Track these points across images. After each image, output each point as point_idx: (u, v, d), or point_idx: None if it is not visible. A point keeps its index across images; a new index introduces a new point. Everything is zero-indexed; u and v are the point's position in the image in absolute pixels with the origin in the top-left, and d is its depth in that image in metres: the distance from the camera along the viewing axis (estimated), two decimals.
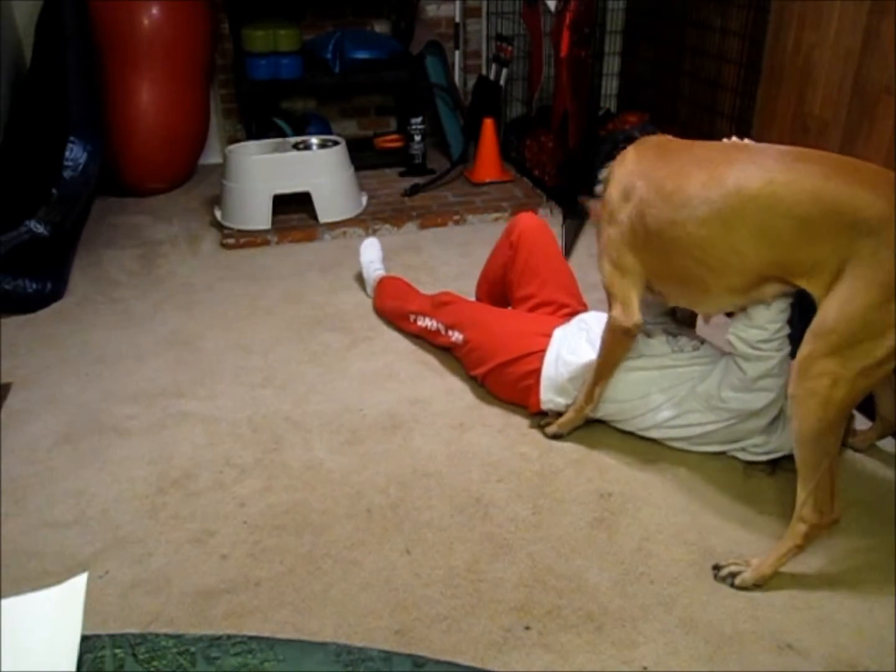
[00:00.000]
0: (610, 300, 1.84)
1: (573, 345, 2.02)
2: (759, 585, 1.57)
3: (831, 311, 1.45)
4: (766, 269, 1.56)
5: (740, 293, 1.64)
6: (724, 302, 1.70)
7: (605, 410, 1.99)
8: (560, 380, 2.01)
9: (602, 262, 1.83)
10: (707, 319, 1.91)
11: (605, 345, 1.89)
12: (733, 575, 1.59)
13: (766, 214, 1.49)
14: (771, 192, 1.48)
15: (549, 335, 2.06)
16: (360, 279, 2.88)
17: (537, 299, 2.27)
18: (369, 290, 2.76)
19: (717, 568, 1.61)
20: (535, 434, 2.04)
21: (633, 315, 1.80)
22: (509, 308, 2.38)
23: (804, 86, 3.16)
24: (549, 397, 2.03)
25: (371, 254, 2.83)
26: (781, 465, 1.89)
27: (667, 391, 1.89)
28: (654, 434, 1.96)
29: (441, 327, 2.34)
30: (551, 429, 2.02)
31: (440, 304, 2.39)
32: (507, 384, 2.13)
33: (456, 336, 2.28)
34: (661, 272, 1.74)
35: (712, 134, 3.63)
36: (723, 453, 1.94)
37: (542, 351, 2.04)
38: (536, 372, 2.03)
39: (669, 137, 1.79)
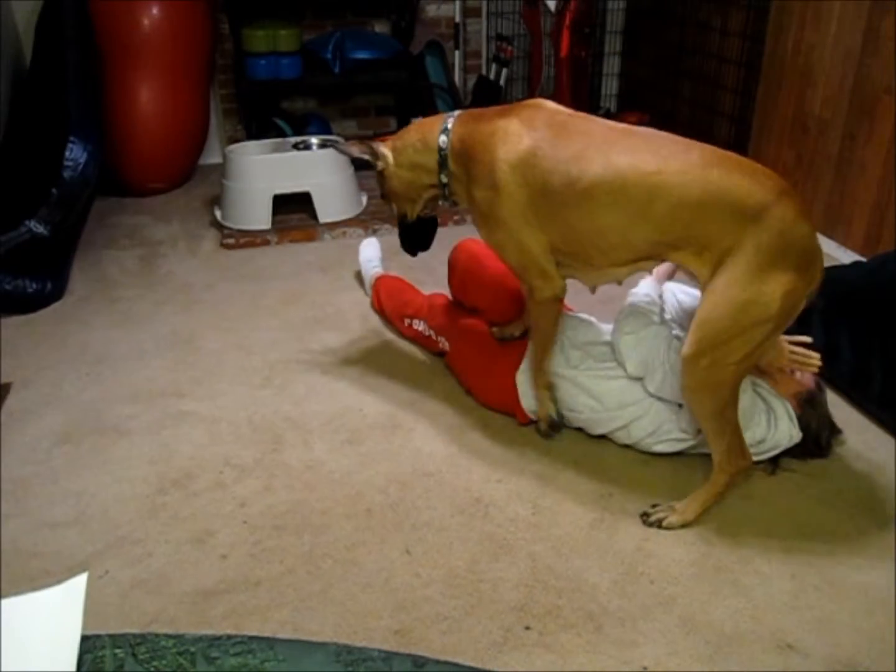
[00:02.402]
0: (524, 277, 1.83)
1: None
2: (685, 526, 1.71)
3: (713, 300, 1.55)
4: (653, 250, 1.65)
5: (623, 267, 1.73)
6: (608, 276, 1.78)
7: (586, 416, 1.96)
8: (532, 388, 2.00)
9: (503, 247, 1.81)
10: (593, 290, 1.92)
11: (537, 320, 1.88)
12: (660, 520, 1.71)
13: (658, 201, 1.57)
14: (662, 180, 1.56)
15: (525, 344, 2.03)
16: (359, 278, 2.89)
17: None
18: (367, 288, 2.76)
19: (645, 515, 1.73)
20: (535, 434, 2.03)
21: (556, 281, 1.80)
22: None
23: (804, 86, 3.17)
24: (529, 406, 2.02)
25: (369, 252, 2.82)
26: (781, 465, 1.89)
27: (643, 402, 1.87)
28: (641, 447, 1.94)
29: (432, 333, 2.34)
30: (541, 426, 2.01)
31: (432, 307, 2.39)
32: (490, 396, 2.12)
33: (444, 343, 2.29)
34: (556, 247, 1.76)
35: (712, 133, 3.64)
36: None
37: (520, 361, 2.02)
38: (515, 383, 2.02)
39: (551, 109, 1.76)
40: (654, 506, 1.76)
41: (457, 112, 1.87)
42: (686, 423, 1.83)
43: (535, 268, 1.78)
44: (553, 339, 1.91)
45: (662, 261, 1.70)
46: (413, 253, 2.10)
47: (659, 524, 1.72)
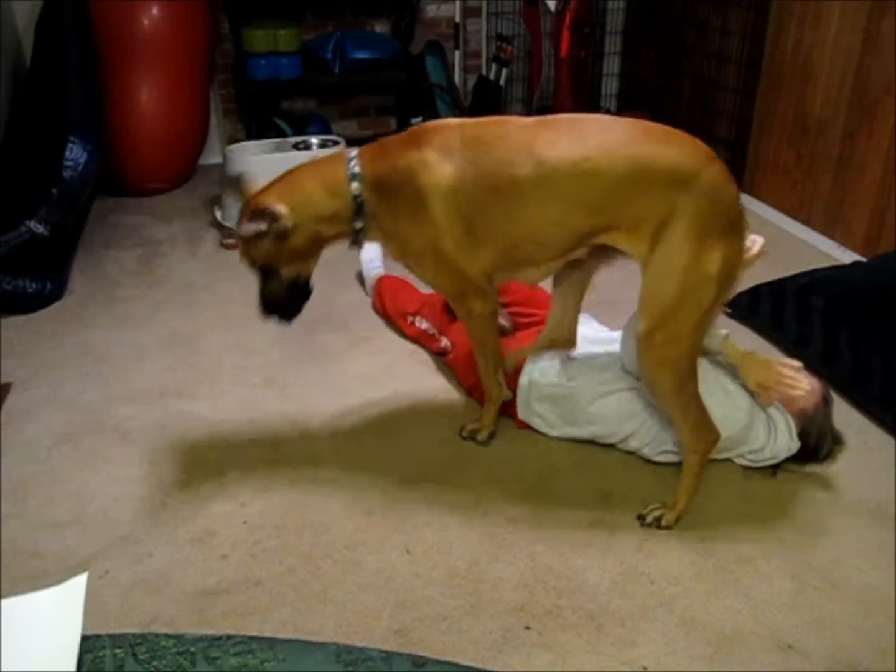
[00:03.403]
0: (462, 301, 1.77)
1: (545, 365, 1.99)
2: (679, 519, 1.73)
3: (656, 274, 1.56)
4: (589, 235, 1.63)
5: (561, 258, 1.70)
6: (548, 269, 1.76)
7: (588, 432, 1.96)
8: (531, 401, 2.00)
9: (441, 275, 1.72)
10: (534, 285, 1.93)
11: (479, 337, 1.85)
12: (657, 519, 1.73)
13: (590, 187, 1.55)
14: (592, 166, 1.54)
15: (526, 347, 2.03)
16: (360, 278, 2.88)
17: (508, 310, 2.26)
18: (368, 288, 2.76)
19: (641, 518, 1.74)
20: (535, 434, 2.03)
21: (492, 295, 1.77)
22: None
23: (804, 86, 3.16)
24: (524, 416, 2.03)
25: (371, 252, 2.82)
26: (781, 466, 1.89)
27: (640, 414, 1.88)
28: (641, 455, 1.94)
29: (435, 331, 2.34)
30: (482, 435, 2.00)
31: (433, 305, 2.38)
32: None
33: (445, 342, 2.29)
34: (494, 259, 1.70)
35: (712, 133, 3.64)
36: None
37: (517, 371, 2.01)
38: (514, 391, 2.02)
39: (456, 125, 1.66)
40: (639, 516, 1.76)
41: (353, 152, 1.70)
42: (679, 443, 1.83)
43: (474, 289, 1.74)
44: (497, 349, 1.89)
45: (593, 245, 1.67)
46: (290, 319, 1.83)
47: (658, 524, 1.72)
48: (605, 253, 1.72)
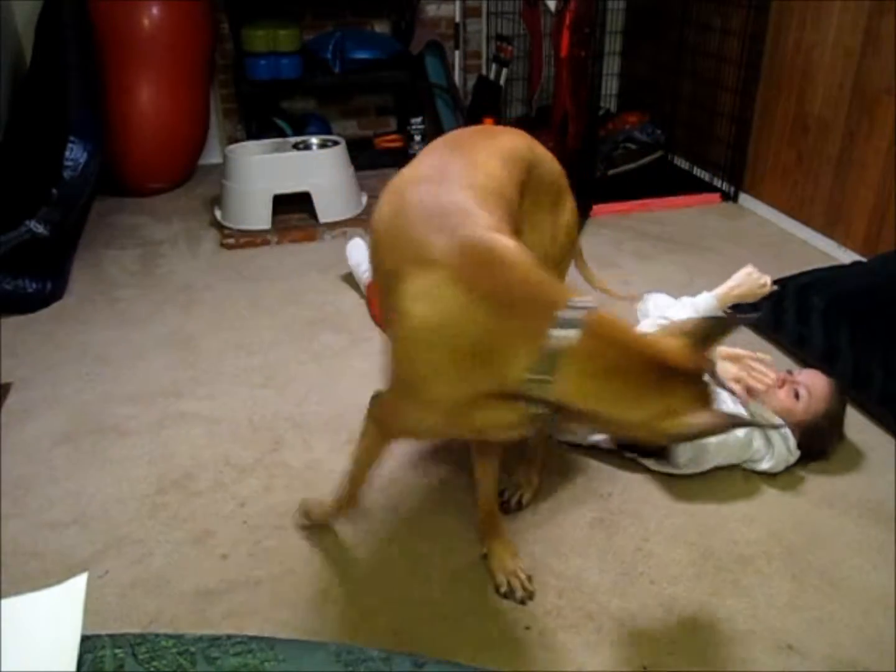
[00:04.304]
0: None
1: None
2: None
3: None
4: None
5: None
6: None
7: (582, 436, 1.96)
8: None
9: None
10: None
11: None
12: (519, 501, 1.78)
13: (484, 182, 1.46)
14: (487, 172, 1.49)
15: None
16: (349, 280, 2.86)
17: None
18: (363, 289, 2.75)
19: (505, 504, 1.77)
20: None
21: None
22: None
23: (804, 86, 3.16)
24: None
25: (357, 255, 2.75)
26: None
27: None
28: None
29: None
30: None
31: None
32: None
33: None
34: None
35: (712, 133, 3.64)
36: None
37: None
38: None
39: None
40: (501, 492, 1.77)
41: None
42: (674, 457, 1.83)
43: None
44: None
45: None
46: None
47: (520, 505, 1.78)
48: None
